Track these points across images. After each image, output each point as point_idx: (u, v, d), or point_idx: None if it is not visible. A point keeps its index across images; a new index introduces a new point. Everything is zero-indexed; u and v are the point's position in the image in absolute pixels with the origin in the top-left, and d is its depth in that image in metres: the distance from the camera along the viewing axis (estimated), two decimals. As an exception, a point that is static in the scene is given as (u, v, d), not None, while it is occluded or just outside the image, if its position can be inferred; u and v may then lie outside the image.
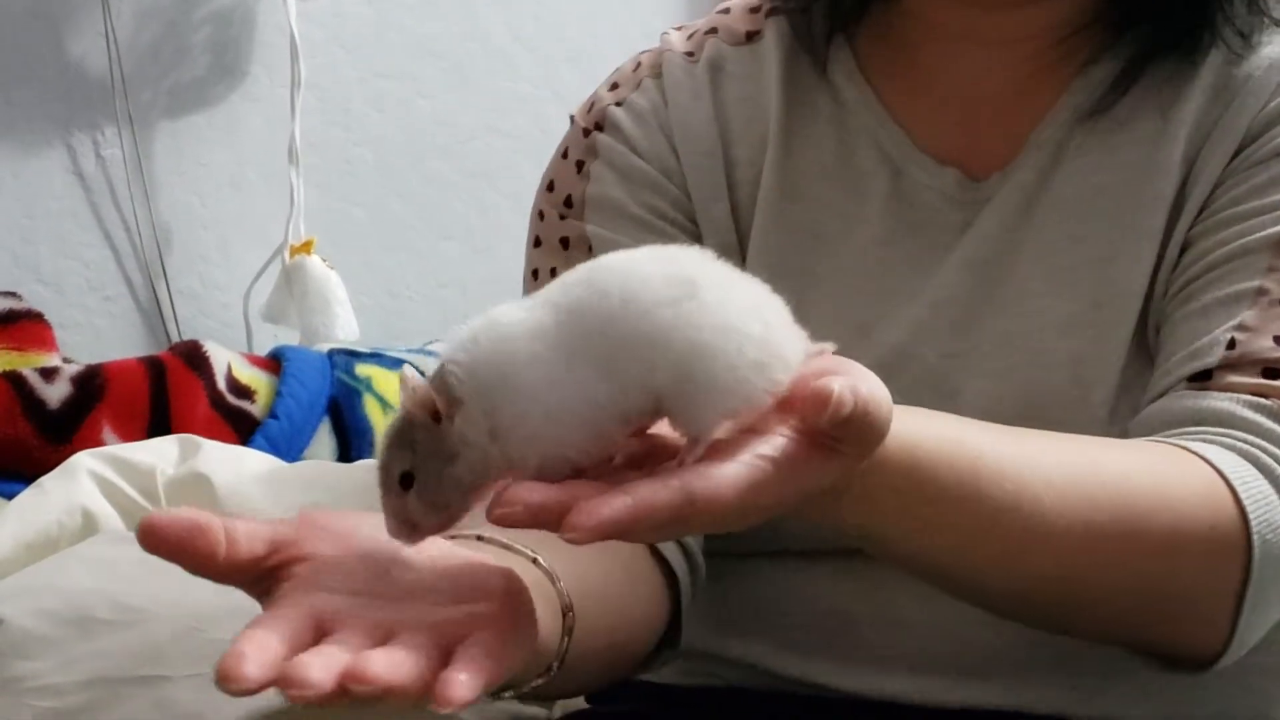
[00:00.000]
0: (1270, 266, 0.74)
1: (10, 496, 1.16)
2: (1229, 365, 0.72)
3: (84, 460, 1.13)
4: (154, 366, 1.44)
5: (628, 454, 0.53)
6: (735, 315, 0.51)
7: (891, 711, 0.77)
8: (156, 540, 0.50)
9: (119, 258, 1.70)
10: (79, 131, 1.68)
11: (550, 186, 0.85)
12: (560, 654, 0.60)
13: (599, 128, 0.85)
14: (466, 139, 1.90)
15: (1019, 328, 0.77)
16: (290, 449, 1.43)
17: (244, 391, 1.47)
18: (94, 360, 1.47)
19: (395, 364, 1.57)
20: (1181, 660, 0.71)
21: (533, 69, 1.93)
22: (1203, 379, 0.72)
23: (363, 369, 1.55)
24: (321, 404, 1.50)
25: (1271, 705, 0.78)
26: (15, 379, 1.37)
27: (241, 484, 1.15)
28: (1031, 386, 0.76)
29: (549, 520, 0.48)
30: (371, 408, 1.51)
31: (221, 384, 1.46)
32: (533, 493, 0.48)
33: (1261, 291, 0.73)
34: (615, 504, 0.47)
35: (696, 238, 0.82)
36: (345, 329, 1.71)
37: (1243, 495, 0.67)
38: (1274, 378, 0.71)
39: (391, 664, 0.47)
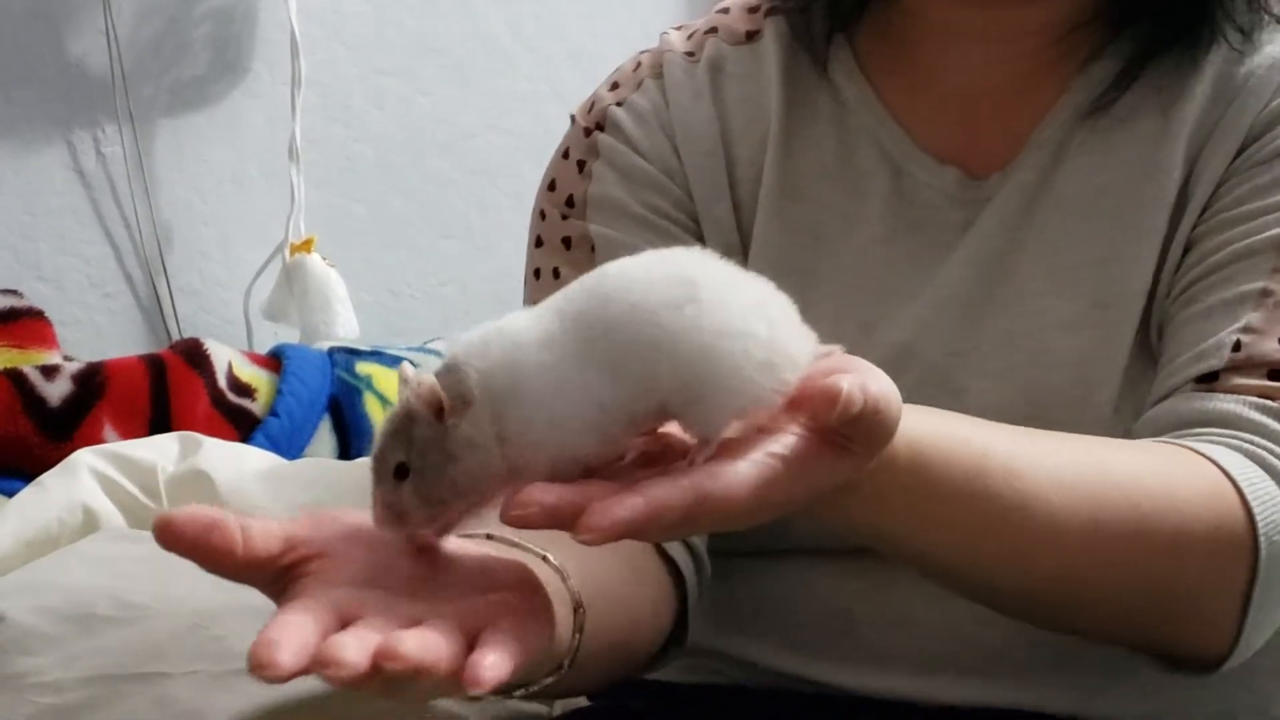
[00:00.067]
0: (1274, 268, 0.74)
1: (11, 494, 1.17)
2: (1235, 367, 0.72)
3: (85, 457, 1.13)
4: (154, 364, 1.44)
5: (639, 453, 0.53)
6: (739, 316, 0.51)
7: (894, 710, 0.77)
8: (172, 537, 0.50)
9: (119, 255, 1.70)
10: (79, 129, 1.68)
11: (552, 186, 0.86)
12: (572, 651, 0.60)
13: (600, 127, 0.85)
14: (467, 137, 1.90)
15: (1021, 327, 0.77)
16: (291, 447, 1.44)
17: (244, 389, 1.47)
18: (94, 358, 1.47)
19: (395, 362, 1.57)
20: (1188, 661, 0.71)
21: (533, 67, 1.93)
22: (1208, 381, 0.72)
23: (363, 367, 1.55)
24: (322, 402, 1.50)
25: (1272, 705, 0.78)
26: (16, 376, 1.38)
27: (242, 481, 1.15)
28: (1034, 386, 0.76)
29: (563, 521, 0.48)
30: (372, 406, 1.52)
31: (222, 382, 1.46)
32: (547, 494, 0.48)
33: (1266, 293, 0.73)
34: (628, 504, 0.48)
35: (699, 237, 0.82)
36: (345, 327, 1.71)
37: (1249, 496, 0.67)
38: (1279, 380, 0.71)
39: (424, 643, 0.47)
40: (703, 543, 0.78)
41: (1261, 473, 0.69)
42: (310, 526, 0.53)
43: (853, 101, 0.83)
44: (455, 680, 0.47)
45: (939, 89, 0.82)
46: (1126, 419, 0.75)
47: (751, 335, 0.51)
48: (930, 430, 0.60)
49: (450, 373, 0.51)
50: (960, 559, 0.64)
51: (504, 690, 0.60)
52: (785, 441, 0.52)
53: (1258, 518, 0.67)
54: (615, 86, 0.86)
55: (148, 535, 1.05)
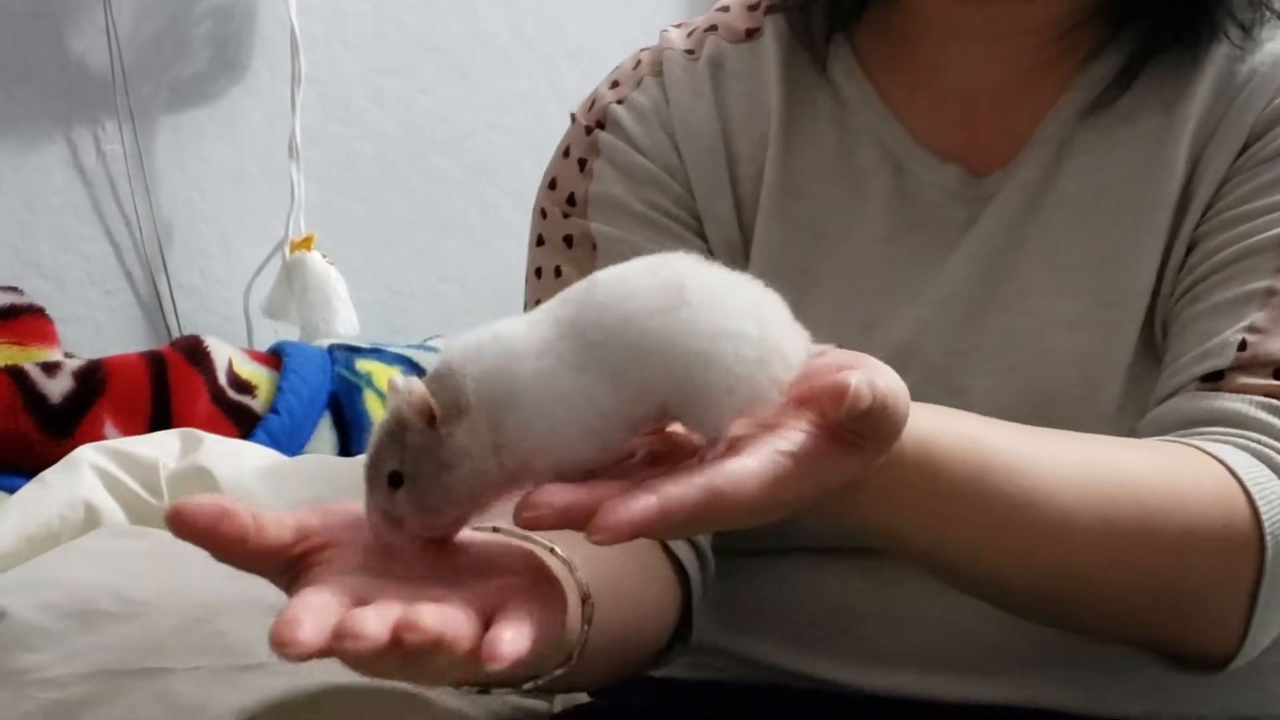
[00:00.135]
0: (1278, 267, 0.74)
1: (12, 491, 1.17)
2: (1240, 367, 0.72)
3: (86, 454, 1.13)
4: (155, 361, 1.45)
5: (648, 451, 0.53)
6: (730, 317, 0.52)
7: (897, 707, 0.77)
8: (184, 525, 0.50)
9: (120, 253, 1.70)
10: (80, 126, 1.68)
11: (552, 185, 0.86)
12: (581, 643, 0.60)
13: (600, 126, 0.85)
14: (467, 135, 1.90)
15: (1024, 325, 0.78)
16: (291, 444, 1.44)
17: (245, 386, 1.48)
18: (95, 355, 1.48)
19: (395, 360, 1.58)
20: (1194, 661, 0.71)
21: (532, 65, 1.93)
22: (1214, 380, 0.73)
23: (363, 364, 1.55)
24: (322, 399, 1.50)
25: (1276, 703, 0.78)
26: (17, 373, 1.38)
27: (243, 478, 1.15)
28: (1037, 384, 0.76)
29: (576, 522, 0.48)
30: (372, 403, 1.52)
31: (222, 379, 1.46)
32: (559, 495, 0.48)
33: (1271, 292, 0.74)
34: (640, 503, 0.48)
35: (700, 235, 0.82)
36: (345, 324, 1.71)
37: (1255, 495, 0.67)
38: None
39: (443, 616, 0.47)
40: (707, 541, 0.79)
41: (1268, 472, 0.69)
42: (321, 516, 0.53)
43: (853, 100, 0.83)
44: (472, 658, 0.47)
45: (939, 87, 0.82)
46: (1130, 418, 0.75)
47: (743, 335, 0.52)
48: (937, 427, 0.60)
49: (443, 380, 0.51)
50: (967, 556, 0.65)
51: (513, 682, 0.60)
52: (794, 439, 0.52)
53: (1264, 517, 0.67)
54: (615, 84, 0.86)
55: (149, 531, 1.07)
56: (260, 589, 0.93)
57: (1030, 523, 0.63)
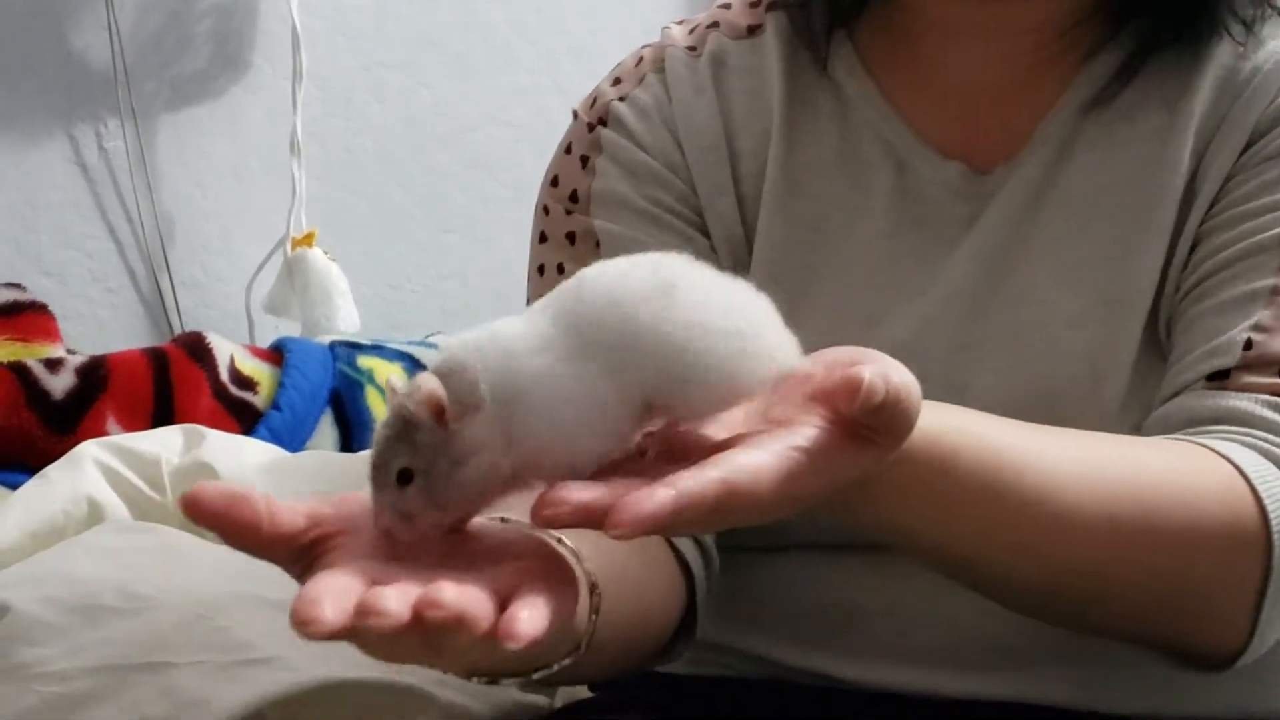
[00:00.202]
0: None
1: (15, 487, 1.17)
2: (1246, 365, 0.73)
3: (89, 449, 1.14)
4: (157, 358, 1.45)
5: (660, 450, 0.53)
6: (716, 312, 0.52)
7: (899, 703, 0.77)
8: (199, 511, 0.50)
9: (121, 249, 1.70)
10: (81, 123, 1.68)
11: (554, 181, 0.86)
12: (589, 632, 0.60)
13: (603, 123, 0.85)
14: (468, 130, 1.90)
15: (1028, 322, 0.78)
16: (293, 440, 1.44)
17: (246, 383, 1.48)
18: (97, 351, 1.48)
19: (396, 356, 1.58)
20: (1201, 659, 0.71)
21: (534, 60, 1.93)
22: (1220, 378, 0.73)
23: (364, 360, 1.55)
24: (323, 395, 1.50)
25: (1278, 700, 0.78)
26: (19, 370, 1.38)
27: (245, 474, 1.15)
28: (1042, 381, 0.76)
29: (594, 518, 0.48)
30: (373, 399, 1.52)
31: (224, 375, 1.47)
32: (577, 492, 0.49)
33: (1276, 290, 0.74)
34: (658, 498, 0.48)
35: (703, 232, 0.83)
36: (347, 321, 1.71)
37: (1262, 493, 0.67)
38: None
39: (464, 593, 0.47)
40: (712, 538, 0.79)
41: (1275, 470, 0.69)
42: (333, 505, 0.53)
43: (855, 97, 0.83)
44: (490, 638, 0.47)
45: (940, 84, 0.82)
46: (1133, 415, 0.75)
47: (728, 330, 0.52)
48: (947, 424, 0.61)
49: (454, 376, 0.51)
50: (975, 552, 0.65)
51: (522, 671, 0.60)
52: (807, 434, 0.52)
53: (1271, 515, 0.67)
54: (617, 81, 0.87)
55: (152, 527, 1.07)
56: (262, 586, 0.94)
57: (1039, 519, 0.64)
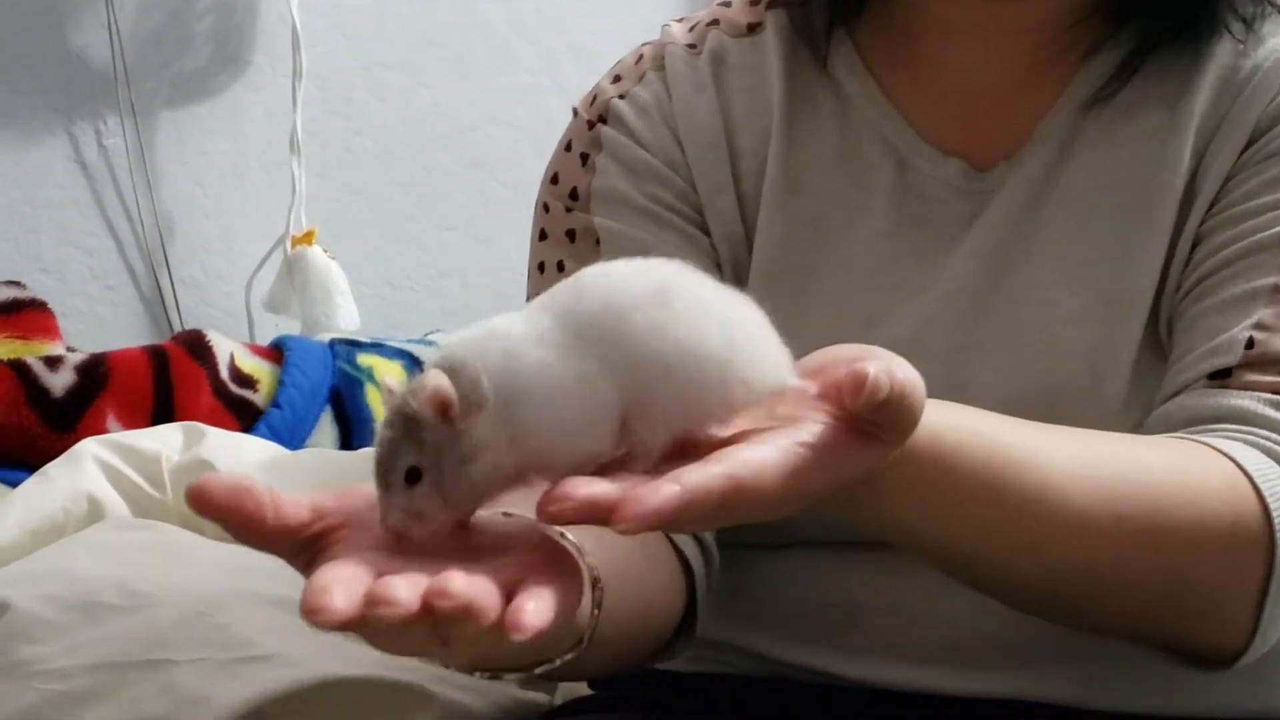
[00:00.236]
0: None
1: (15, 485, 1.17)
2: (1248, 364, 0.73)
3: (89, 447, 1.14)
4: (157, 355, 1.45)
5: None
6: (702, 335, 0.52)
7: (899, 700, 0.77)
8: (205, 502, 0.50)
9: (121, 247, 1.70)
10: (81, 121, 1.68)
11: (554, 179, 0.85)
12: (591, 627, 0.61)
13: (603, 120, 0.85)
14: (467, 129, 1.90)
15: (1029, 320, 0.78)
16: (293, 438, 1.44)
17: (247, 381, 1.48)
18: (96, 349, 1.48)
19: (396, 354, 1.58)
20: (1203, 657, 0.70)
21: (533, 59, 1.93)
22: (1222, 377, 0.73)
23: (364, 359, 1.55)
24: (323, 393, 1.50)
25: (1278, 699, 0.78)
26: (19, 367, 1.38)
27: (245, 471, 1.15)
28: (1042, 379, 0.77)
29: (600, 515, 0.48)
30: (373, 397, 1.52)
31: (224, 373, 1.47)
32: (583, 488, 0.49)
33: (1278, 289, 0.74)
34: (664, 492, 0.48)
35: (703, 229, 0.82)
36: (346, 319, 1.71)
37: (1265, 491, 0.67)
38: None
39: (472, 583, 0.47)
40: (712, 535, 0.79)
41: (1277, 468, 0.69)
42: (337, 497, 0.53)
43: (855, 95, 0.83)
44: (497, 629, 0.47)
45: (941, 83, 0.82)
46: (1134, 412, 0.75)
47: (710, 354, 0.52)
48: (950, 422, 0.61)
49: (459, 374, 0.51)
50: (978, 550, 0.65)
51: (525, 666, 0.61)
52: (812, 430, 0.52)
53: (1274, 513, 0.67)
54: (617, 79, 0.87)
55: (152, 524, 1.07)
56: (262, 583, 0.94)
57: (1041, 517, 0.64)
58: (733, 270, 0.82)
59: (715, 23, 0.87)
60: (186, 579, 0.93)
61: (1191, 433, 0.71)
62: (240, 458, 1.19)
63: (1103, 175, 0.79)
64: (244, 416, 1.45)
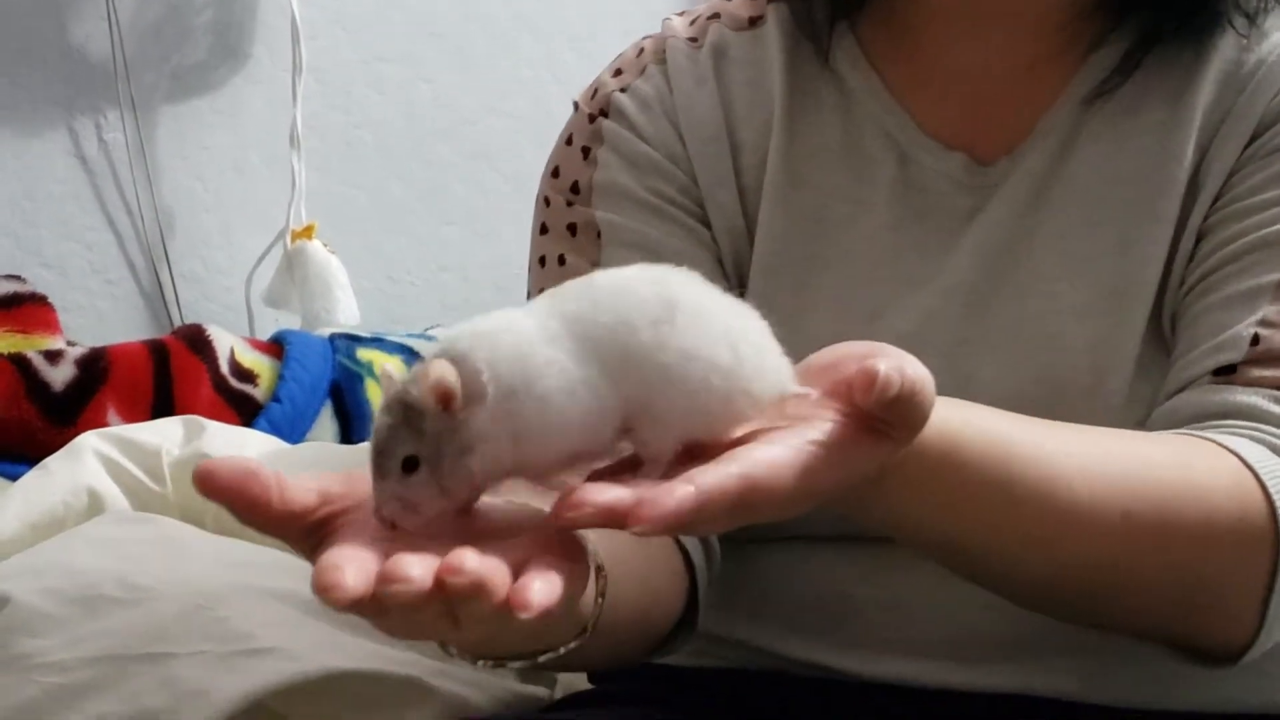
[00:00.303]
0: None
1: (15, 478, 1.17)
2: (1254, 360, 0.73)
3: (89, 440, 1.14)
4: (157, 350, 1.45)
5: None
6: (708, 343, 0.52)
7: (897, 694, 0.77)
8: (212, 485, 0.50)
9: (121, 241, 1.70)
10: (81, 115, 1.68)
11: (555, 173, 0.85)
12: (595, 615, 0.61)
13: (604, 114, 0.85)
14: (467, 122, 1.90)
15: (1032, 314, 0.78)
16: (293, 432, 1.44)
17: (247, 375, 1.48)
18: (97, 343, 1.48)
19: (396, 349, 1.58)
20: (1208, 654, 0.70)
21: (534, 51, 1.93)
22: (1227, 373, 0.73)
23: (364, 353, 1.55)
24: (323, 388, 1.50)
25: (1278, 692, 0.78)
26: (20, 361, 1.38)
27: (246, 464, 1.15)
28: (1045, 373, 0.76)
29: (617, 518, 0.48)
30: (373, 391, 1.52)
31: (224, 367, 1.47)
32: (599, 493, 0.49)
33: None
34: (679, 495, 0.48)
35: (704, 223, 0.82)
36: (346, 313, 1.71)
37: (1271, 488, 0.67)
38: None
39: (484, 561, 0.47)
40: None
41: None
42: (343, 482, 0.53)
43: (857, 89, 0.83)
44: (506, 608, 0.47)
45: (943, 77, 0.82)
46: (1138, 407, 0.75)
47: (714, 364, 0.52)
48: (958, 418, 0.61)
49: (461, 364, 0.51)
50: (986, 546, 0.65)
51: (529, 655, 0.61)
52: (823, 428, 0.52)
53: (1279, 509, 0.67)
54: (619, 72, 0.86)
55: (152, 518, 1.07)
56: (262, 576, 0.94)
57: (1049, 513, 0.64)
58: (734, 264, 0.82)
59: (716, 16, 0.87)
60: (187, 572, 0.93)
61: (1197, 428, 0.71)
62: (241, 452, 1.18)
63: (1105, 170, 0.79)
64: (244, 411, 1.45)
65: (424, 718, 0.84)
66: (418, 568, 0.47)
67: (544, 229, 0.85)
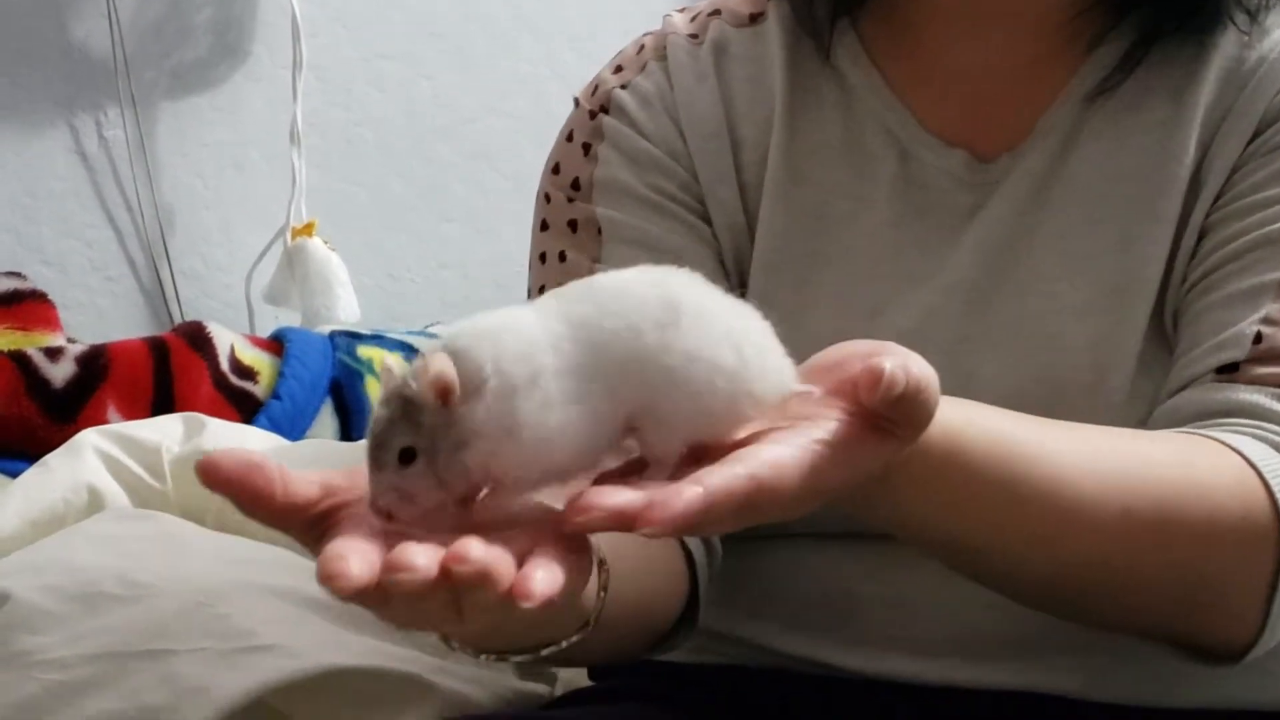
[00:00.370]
0: None
1: (15, 475, 1.17)
2: (1256, 358, 0.73)
3: (90, 437, 1.13)
4: (158, 347, 1.45)
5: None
6: (712, 345, 0.52)
7: (898, 691, 0.77)
8: (215, 477, 0.50)
9: (122, 238, 1.70)
10: (82, 112, 1.68)
11: (556, 169, 0.85)
12: (598, 609, 0.61)
13: (604, 110, 0.85)
14: (467, 120, 1.90)
15: (1033, 311, 0.78)
16: (293, 429, 1.44)
17: (247, 372, 1.48)
18: (97, 341, 1.48)
19: (396, 346, 1.58)
20: (1211, 652, 0.70)
21: (534, 49, 1.93)
22: (1230, 371, 0.73)
23: (364, 350, 1.55)
24: (323, 385, 1.50)
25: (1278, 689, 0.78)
26: (20, 358, 1.38)
27: (247, 460, 1.15)
28: (1045, 371, 0.76)
29: (626, 522, 0.48)
30: (373, 389, 1.52)
31: (225, 365, 1.47)
32: (609, 497, 0.49)
33: None
34: (687, 496, 0.48)
35: (705, 219, 0.82)
36: (346, 311, 1.71)
37: (1274, 486, 0.67)
38: None
39: (489, 550, 0.47)
40: None
41: None
42: (345, 476, 0.53)
43: (858, 86, 0.83)
44: (510, 598, 0.47)
45: (944, 74, 0.82)
46: (1139, 405, 0.75)
47: (719, 366, 0.52)
48: (962, 417, 0.61)
49: (463, 358, 0.51)
50: (990, 545, 0.65)
51: (531, 649, 0.61)
52: (828, 427, 0.52)
53: None
54: (619, 69, 0.86)
55: (152, 515, 1.07)
56: (262, 573, 0.94)
57: (1053, 511, 0.64)
58: (734, 260, 0.82)
59: (717, 13, 0.87)
60: (187, 569, 0.93)
61: (1199, 427, 0.71)
62: (241, 448, 1.18)
63: (1107, 167, 0.79)
64: (244, 408, 1.45)
65: (424, 714, 0.84)
66: (423, 556, 0.47)
67: (544, 225, 0.85)
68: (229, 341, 1.49)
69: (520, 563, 0.48)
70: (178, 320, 1.69)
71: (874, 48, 0.84)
